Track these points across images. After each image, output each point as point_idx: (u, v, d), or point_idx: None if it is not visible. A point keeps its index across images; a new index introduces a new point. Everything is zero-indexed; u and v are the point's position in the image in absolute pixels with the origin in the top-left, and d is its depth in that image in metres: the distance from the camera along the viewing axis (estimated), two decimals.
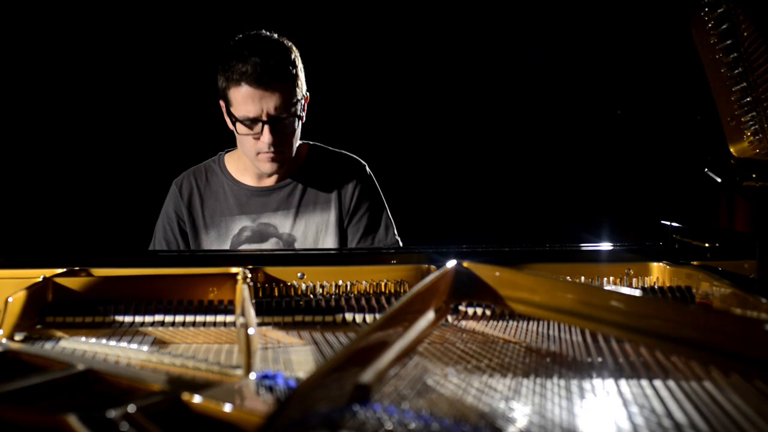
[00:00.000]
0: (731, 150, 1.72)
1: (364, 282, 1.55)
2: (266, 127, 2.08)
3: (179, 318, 1.39)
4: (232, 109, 2.11)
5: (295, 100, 2.11)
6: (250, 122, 2.09)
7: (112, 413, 0.81)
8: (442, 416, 0.84)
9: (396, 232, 2.37)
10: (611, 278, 1.59)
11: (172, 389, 0.91)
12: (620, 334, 1.15)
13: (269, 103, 2.06)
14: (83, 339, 1.23)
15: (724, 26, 1.65)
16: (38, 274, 1.47)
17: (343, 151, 2.39)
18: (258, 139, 2.11)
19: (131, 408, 0.82)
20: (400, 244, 2.36)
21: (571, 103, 3.59)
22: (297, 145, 2.23)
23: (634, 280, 1.60)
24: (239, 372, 1.02)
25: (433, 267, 1.56)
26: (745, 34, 1.65)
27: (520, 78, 3.62)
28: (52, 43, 3.43)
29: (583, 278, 1.57)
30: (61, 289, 1.45)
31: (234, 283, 1.49)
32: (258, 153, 2.14)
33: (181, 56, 3.46)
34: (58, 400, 0.94)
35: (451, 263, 1.29)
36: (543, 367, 1.07)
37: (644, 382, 0.99)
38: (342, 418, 0.81)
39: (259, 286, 1.52)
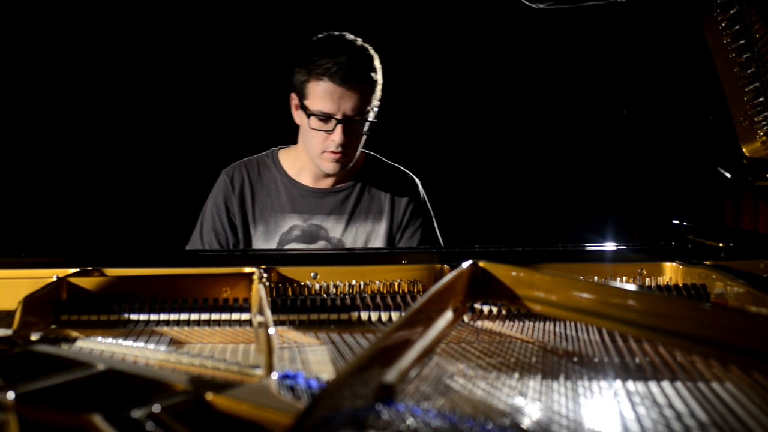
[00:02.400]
0: (744, 150, 1.72)
1: (377, 282, 1.55)
2: (339, 126, 2.08)
3: (194, 317, 1.39)
4: (307, 103, 2.11)
5: (370, 105, 2.12)
6: (325, 118, 2.09)
7: (137, 413, 0.81)
8: (464, 415, 0.84)
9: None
10: (624, 278, 1.59)
11: (195, 389, 0.91)
12: (638, 333, 1.15)
13: (347, 103, 2.07)
14: (99, 339, 1.23)
15: (737, 27, 1.65)
16: (51, 274, 1.47)
17: (398, 166, 2.39)
18: (328, 136, 2.10)
19: (156, 408, 0.82)
20: None
21: (579, 103, 3.59)
22: (360, 150, 2.22)
23: (647, 279, 1.60)
24: (259, 372, 1.02)
25: (446, 267, 1.56)
26: (758, 35, 1.65)
27: (528, 80, 3.62)
28: (74, 45, 3.43)
29: (595, 278, 1.57)
30: (75, 289, 1.45)
31: (248, 283, 1.49)
32: (324, 151, 2.13)
33: (192, 59, 3.46)
34: (80, 400, 0.93)
35: (467, 263, 1.28)
36: (562, 366, 1.07)
37: (665, 382, 0.99)
38: (367, 417, 0.80)
39: (272, 286, 1.52)
